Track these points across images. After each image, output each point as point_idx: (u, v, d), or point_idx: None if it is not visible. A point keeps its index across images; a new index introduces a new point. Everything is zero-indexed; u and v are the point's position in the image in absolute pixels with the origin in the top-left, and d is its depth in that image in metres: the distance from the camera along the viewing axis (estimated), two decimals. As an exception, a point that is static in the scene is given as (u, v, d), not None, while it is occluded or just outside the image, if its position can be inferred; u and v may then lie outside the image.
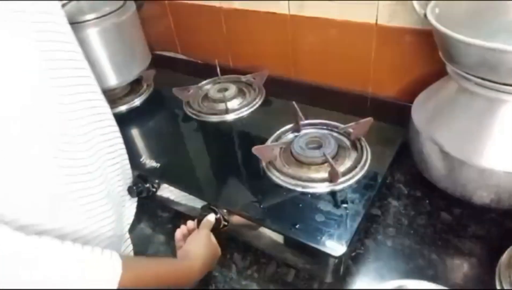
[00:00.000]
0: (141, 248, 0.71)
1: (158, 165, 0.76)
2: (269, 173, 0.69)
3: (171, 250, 0.68)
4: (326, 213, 0.63)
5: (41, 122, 0.50)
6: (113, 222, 0.64)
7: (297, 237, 0.58)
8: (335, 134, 0.75)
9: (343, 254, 0.56)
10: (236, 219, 0.65)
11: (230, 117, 0.87)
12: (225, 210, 0.65)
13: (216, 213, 0.66)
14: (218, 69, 0.94)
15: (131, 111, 0.96)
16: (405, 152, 0.71)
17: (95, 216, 0.60)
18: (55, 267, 0.42)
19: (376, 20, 0.79)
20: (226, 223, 0.66)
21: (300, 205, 0.64)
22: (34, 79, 0.49)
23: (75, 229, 0.56)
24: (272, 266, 0.64)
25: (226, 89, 0.91)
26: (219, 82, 0.97)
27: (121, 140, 0.70)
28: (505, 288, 0.50)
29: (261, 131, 0.81)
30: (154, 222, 0.77)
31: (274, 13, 0.92)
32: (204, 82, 0.99)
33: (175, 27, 1.15)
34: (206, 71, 1.02)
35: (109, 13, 0.87)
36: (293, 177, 0.67)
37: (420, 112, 0.65)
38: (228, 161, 0.77)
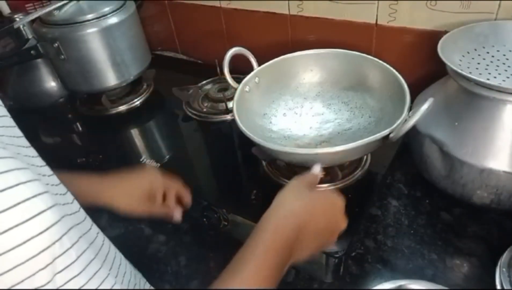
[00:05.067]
0: (141, 248, 0.71)
1: (158, 165, 0.76)
2: (269, 173, 0.69)
3: (171, 250, 0.68)
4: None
5: None
6: None
7: (297, 237, 0.58)
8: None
9: (343, 254, 0.56)
10: (236, 219, 0.65)
11: (230, 117, 0.87)
12: (225, 210, 0.65)
13: (216, 213, 0.66)
14: (218, 69, 0.94)
15: (131, 111, 0.97)
16: (405, 152, 0.71)
17: None
18: None
19: (376, 20, 0.79)
20: (226, 223, 0.66)
21: (300, 205, 0.64)
22: None
23: None
24: (272, 266, 0.64)
25: (226, 89, 0.91)
26: (219, 82, 0.97)
27: None
28: (505, 288, 0.50)
29: (261, 131, 0.81)
30: (154, 222, 0.77)
31: (274, 13, 0.92)
32: (204, 82, 0.99)
33: (175, 27, 1.15)
34: (206, 71, 1.02)
35: (109, 13, 0.87)
36: (293, 177, 0.67)
37: (420, 112, 0.64)
38: (228, 161, 0.77)
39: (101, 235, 0.42)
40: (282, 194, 0.47)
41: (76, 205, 0.40)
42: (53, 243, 0.30)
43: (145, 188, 0.60)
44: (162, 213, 0.62)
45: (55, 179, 0.38)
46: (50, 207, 0.31)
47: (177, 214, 0.61)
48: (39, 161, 0.38)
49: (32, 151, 0.38)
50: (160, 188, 0.61)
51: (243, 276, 0.39)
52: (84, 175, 0.60)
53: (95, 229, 0.42)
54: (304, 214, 0.45)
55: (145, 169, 0.63)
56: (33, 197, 0.29)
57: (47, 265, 0.30)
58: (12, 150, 0.32)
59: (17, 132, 0.38)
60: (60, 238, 0.31)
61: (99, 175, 0.60)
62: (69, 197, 0.40)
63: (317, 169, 0.52)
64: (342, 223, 0.48)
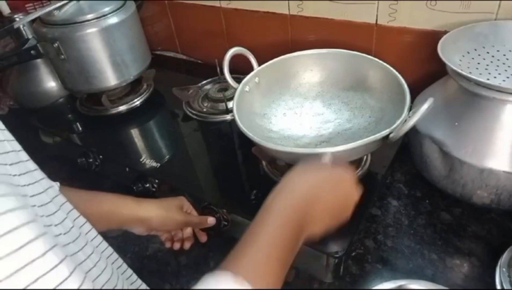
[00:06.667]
0: (141, 248, 0.71)
1: (158, 165, 0.76)
2: (269, 173, 0.69)
3: (171, 250, 0.68)
4: (326, 213, 0.63)
5: None
6: None
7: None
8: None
9: (343, 254, 0.56)
10: (236, 219, 0.65)
11: (230, 117, 0.87)
12: (225, 210, 0.65)
13: (216, 213, 0.66)
14: (218, 69, 0.94)
15: (131, 111, 0.97)
16: (405, 152, 0.71)
17: None
18: None
19: (376, 20, 0.79)
20: (226, 223, 0.66)
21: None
22: None
23: None
24: (272, 266, 0.64)
25: (226, 89, 0.92)
26: (219, 82, 0.97)
27: None
28: (505, 288, 0.50)
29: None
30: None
31: (274, 13, 0.92)
32: (204, 82, 0.99)
33: (175, 27, 1.15)
34: (206, 71, 1.02)
35: (109, 13, 0.87)
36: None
37: (420, 112, 0.64)
38: (228, 161, 0.77)
39: (94, 257, 0.40)
40: (288, 175, 0.47)
41: (65, 226, 0.38)
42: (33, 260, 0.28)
43: (178, 210, 0.64)
44: (197, 222, 0.65)
45: (41, 199, 0.36)
46: (27, 223, 0.29)
47: (210, 219, 0.65)
48: (26, 179, 0.35)
49: (17, 169, 0.35)
50: (189, 207, 0.67)
51: (253, 251, 0.38)
52: (116, 196, 0.61)
53: (88, 249, 0.39)
54: (311, 189, 0.45)
55: (174, 199, 0.66)
56: (5, 212, 0.27)
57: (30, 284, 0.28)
58: None
59: (4, 147, 0.35)
60: (44, 254, 0.29)
61: (133, 197, 0.62)
62: (57, 217, 0.37)
63: (326, 158, 0.52)
64: (353, 195, 0.48)
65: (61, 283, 0.29)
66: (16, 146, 0.36)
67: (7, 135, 0.36)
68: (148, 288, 0.50)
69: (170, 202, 0.64)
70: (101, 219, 0.45)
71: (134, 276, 0.49)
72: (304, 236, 0.43)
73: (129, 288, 0.45)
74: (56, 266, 0.29)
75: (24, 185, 0.34)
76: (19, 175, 0.34)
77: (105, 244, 0.44)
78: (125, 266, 0.47)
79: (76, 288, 0.30)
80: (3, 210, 0.27)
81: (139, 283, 0.50)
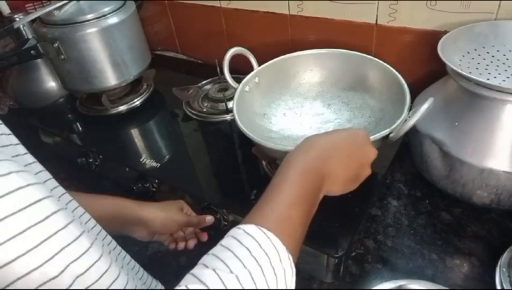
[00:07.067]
0: (141, 248, 0.71)
1: (158, 165, 0.77)
2: (269, 173, 0.69)
3: (171, 250, 0.68)
4: (325, 212, 0.63)
5: None
6: None
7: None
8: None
9: (343, 254, 0.56)
10: (236, 219, 0.65)
11: (230, 117, 0.87)
12: (225, 210, 0.65)
13: (216, 213, 0.66)
14: (218, 69, 0.94)
15: (131, 111, 0.97)
16: (405, 152, 0.71)
17: None
18: None
19: (376, 20, 0.79)
20: (226, 223, 0.66)
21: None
22: None
23: None
24: (272, 266, 0.64)
25: (226, 89, 0.92)
26: (219, 82, 0.97)
27: None
28: (505, 288, 0.50)
29: (261, 131, 0.80)
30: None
31: (274, 13, 0.92)
32: (204, 82, 0.99)
33: (175, 27, 1.15)
34: (206, 71, 1.02)
35: (109, 13, 0.87)
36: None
37: (420, 112, 0.64)
38: (228, 161, 0.77)
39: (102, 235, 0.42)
40: (306, 137, 0.48)
41: (70, 207, 0.40)
42: (58, 231, 0.30)
43: (178, 211, 0.65)
44: (197, 221, 0.65)
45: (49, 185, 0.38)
46: (47, 197, 0.30)
47: (208, 217, 0.65)
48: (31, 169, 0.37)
49: (23, 160, 0.36)
50: (189, 209, 0.68)
51: (274, 205, 0.40)
52: (117, 199, 0.62)
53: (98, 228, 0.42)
54: (327, 146, 0.46)
55: (173, 202, 0.67)
56: (27, 185, 0.29)
57: (55, 254, 0.29)
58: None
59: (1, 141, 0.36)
60: (66, 225, 0.31)
61: (135, 200, 0.63)
62: (64, 200, 0.39)
63: None
64: (370, 153, 0.48)
65: (83, 253, 0.31)
66: (14, 139, 0.37)
67: (4, 129, 0.36)
68: (149, 274, 0.52)
69: (170, 204, 0.65)
70: (103, 222, 0.45)
71: (133, 262, 0.50)
72: (323, 191, 0.45)
73: (133, 274, 0.46)
74: (77, 237, 0.31)
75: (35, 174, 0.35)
76: (24, 165, 0.35)
77: (104, 233, 0.45)
78: (124, 253, 0.49)
79: (97, 258, 0.32)
80: (25, 183, 0.29)
81: (142, 271, 0.52)
